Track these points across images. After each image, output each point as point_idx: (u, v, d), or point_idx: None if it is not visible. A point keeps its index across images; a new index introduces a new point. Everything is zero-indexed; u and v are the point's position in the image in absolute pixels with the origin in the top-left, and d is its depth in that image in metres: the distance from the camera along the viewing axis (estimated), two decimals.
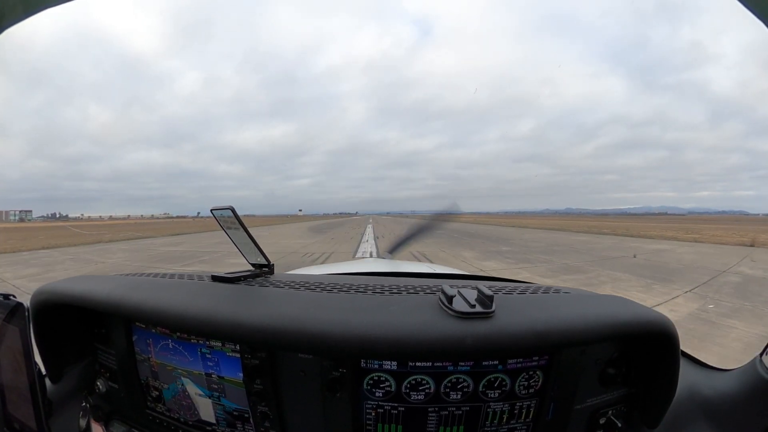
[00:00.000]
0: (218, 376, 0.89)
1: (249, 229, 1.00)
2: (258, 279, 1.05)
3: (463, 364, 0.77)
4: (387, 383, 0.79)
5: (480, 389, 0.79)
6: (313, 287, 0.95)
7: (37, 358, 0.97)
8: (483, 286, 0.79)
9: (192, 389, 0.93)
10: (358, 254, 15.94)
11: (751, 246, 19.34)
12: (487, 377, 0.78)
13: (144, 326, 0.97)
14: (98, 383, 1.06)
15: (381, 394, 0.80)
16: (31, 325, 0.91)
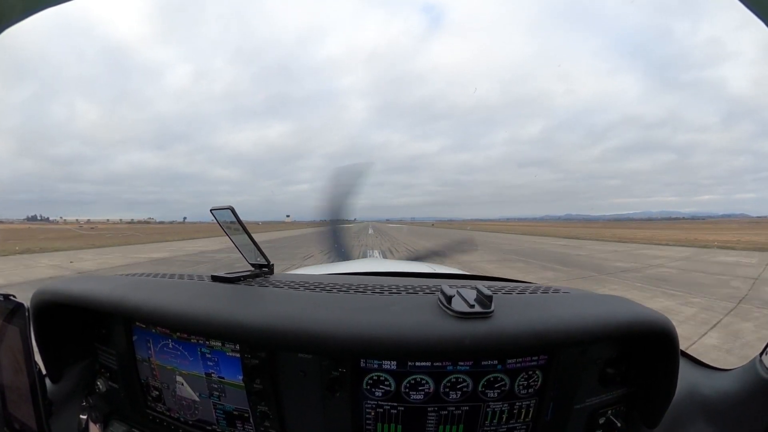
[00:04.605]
0: (218, 376, 0.89)
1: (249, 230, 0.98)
2: (258, 279, 1.05)
3: (462, 363, 0.77)
4: (386, 383, 0.79)
5: (479, 389, 0.79)
6: (312, 287, 0.95)
7: (38, 358, 0.97)
8: (482, 286, 0.79)
9: (192, 389, 0.94)
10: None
11: None
12: (487, 377, 0.78)
13: (144, 326, 0.97)
14: (98, 383, 1.06)
15: (380, 394, 0.80)
16: (31, 325, 0.91)
